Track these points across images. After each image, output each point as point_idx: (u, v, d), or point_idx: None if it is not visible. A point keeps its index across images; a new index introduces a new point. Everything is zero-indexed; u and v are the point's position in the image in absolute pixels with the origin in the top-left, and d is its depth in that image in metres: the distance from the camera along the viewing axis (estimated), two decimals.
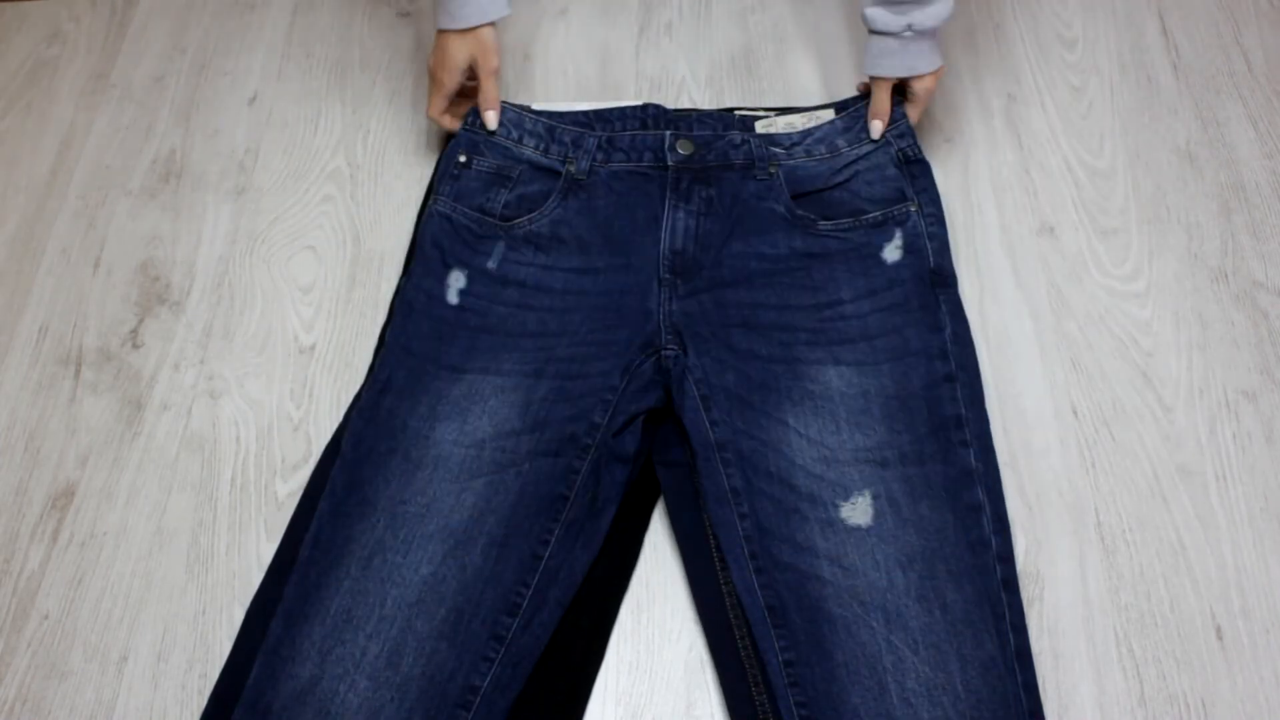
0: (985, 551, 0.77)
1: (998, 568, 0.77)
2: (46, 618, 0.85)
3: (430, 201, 0.93)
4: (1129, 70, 1.09)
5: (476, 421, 0.83)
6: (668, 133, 0.91)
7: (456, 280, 0.89)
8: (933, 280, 0.87)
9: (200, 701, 0.80)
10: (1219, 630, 0.80)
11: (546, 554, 0.79)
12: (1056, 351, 0.93)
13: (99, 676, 0.82)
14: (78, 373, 0.97)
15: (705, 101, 1.09)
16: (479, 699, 0.75)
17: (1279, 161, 1.02)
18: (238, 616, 0.84)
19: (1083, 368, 0.92)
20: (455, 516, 0.79)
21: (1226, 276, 0.96)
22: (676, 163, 0.90)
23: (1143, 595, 0.82)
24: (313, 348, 0.97)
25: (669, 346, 0.85)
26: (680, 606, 0.83)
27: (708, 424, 0.82)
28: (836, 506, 0.79)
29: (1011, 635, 0.75)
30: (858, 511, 0.78)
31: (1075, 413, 0.90)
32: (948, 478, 0.79)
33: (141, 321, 0.99)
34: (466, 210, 0.92)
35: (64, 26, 1.20)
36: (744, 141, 0.91)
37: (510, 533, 0.79)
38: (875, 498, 0.78)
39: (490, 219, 0.91)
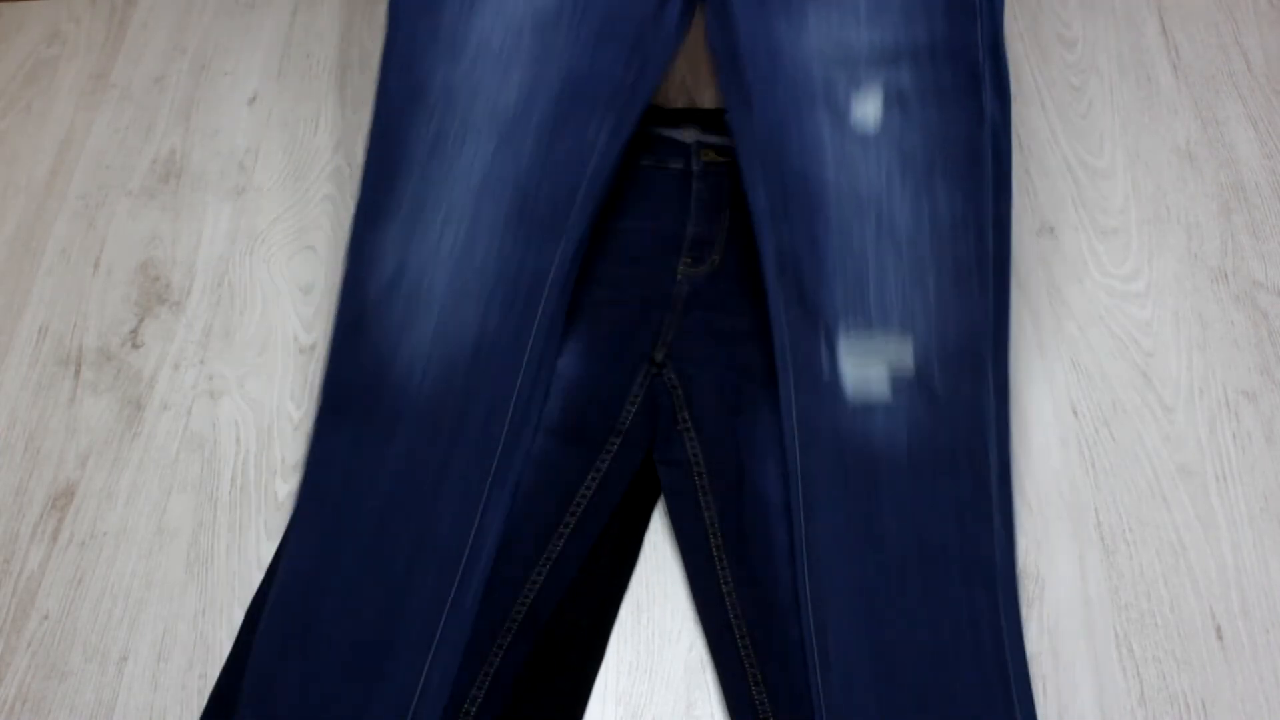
0: (980, 161, 0.80)
1: (991, 170, 0.80)
2: (46, 618, 0.85)
3: None
4: (1129, 70, 1.09)
5: (513, 5, 0.84)
6: None
7: None
8: None
9: (200, 701, 0.80)
10: (1219, 630, 0.80)
11: (596, 148, 0.83)
12: (1056, 351, 0.93)
13: (99, 676, 0.82)
14: (78, 373, 0.97)
15: (705, 101, 1.09)
16: (547, 285, 0.81)
17: (1279, 161, 1.02)
18: (238, 616, 0.84)
19: (1083, 368, 0.92)
20: (502, 99, 0.82)
21: (1226, 276, 0.96)
22: None
23: (1143, 595, 0.82)
24: (313, 348, 0.97)
25: None
26: (680, 606, 0.83)
27: (728, 27, 0.82)
28: (848, 102, 0.80)
29: (993, 239, 0.79)
30: (868, 107, 0.80)
31: (1075, 413, 0.90)
32: (956, 77, 0.80)
33: (141, 321, 0.99)
34: None
35: (64, 26, 1.21)
36: None
37: (560, 123, 0.82)
38: (886, 96, 0.80)
39: None
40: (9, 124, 1.13)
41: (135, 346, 0.98)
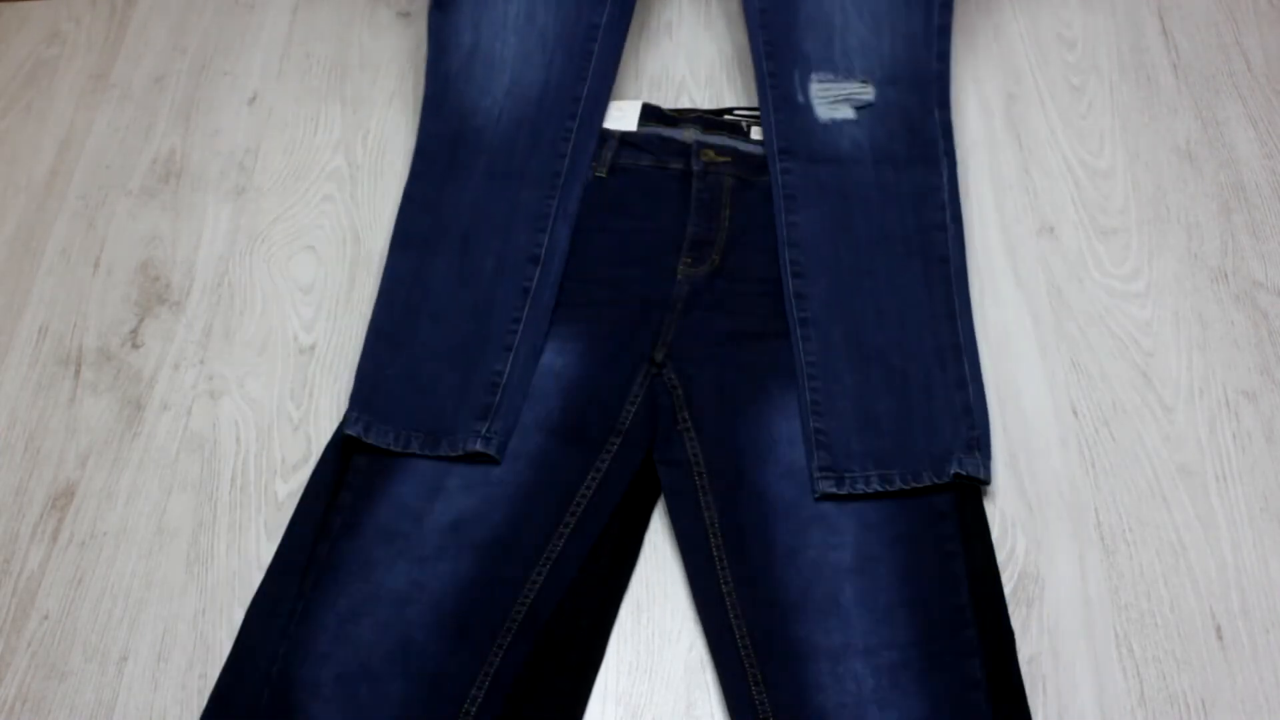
0: None
1: None
2: (46, 618, 0.85)
3: None
4: (1129, 70, 1.09)
5: None
6: None
7: None
8: None
9: (200, 701, 0.80)
10: (1219, 630, 0.80)
11: None
12: (1056, 351, 0.93)
13: (99, 676, 0.82)
14: (78, 373, 0.97)
15: (705, 101, 1.09)
16: (599, 36, 0.99)
17: (1279, 161, 1.02)
18: (238, 616, 0.84)
19: (1083, 368, 0.92)
20: None
21: (1226, 276, 0.96)
22: None
23: (1143, 595, 0.82)
24: (313, 348, 0.97)
25: None
26: (680, 606, 0.83)
27: None
28: None
29: (939, 7, 0.98)
30: None
31: (1075, 413, 0.90)
32: None
33: (141, 321, 0.99)
34: None
35: (64, 26, 1.21)
36: None
37: None
38: None
39: None
40: (9, 124, 1.13)
41: (135, 346, 0.98)
